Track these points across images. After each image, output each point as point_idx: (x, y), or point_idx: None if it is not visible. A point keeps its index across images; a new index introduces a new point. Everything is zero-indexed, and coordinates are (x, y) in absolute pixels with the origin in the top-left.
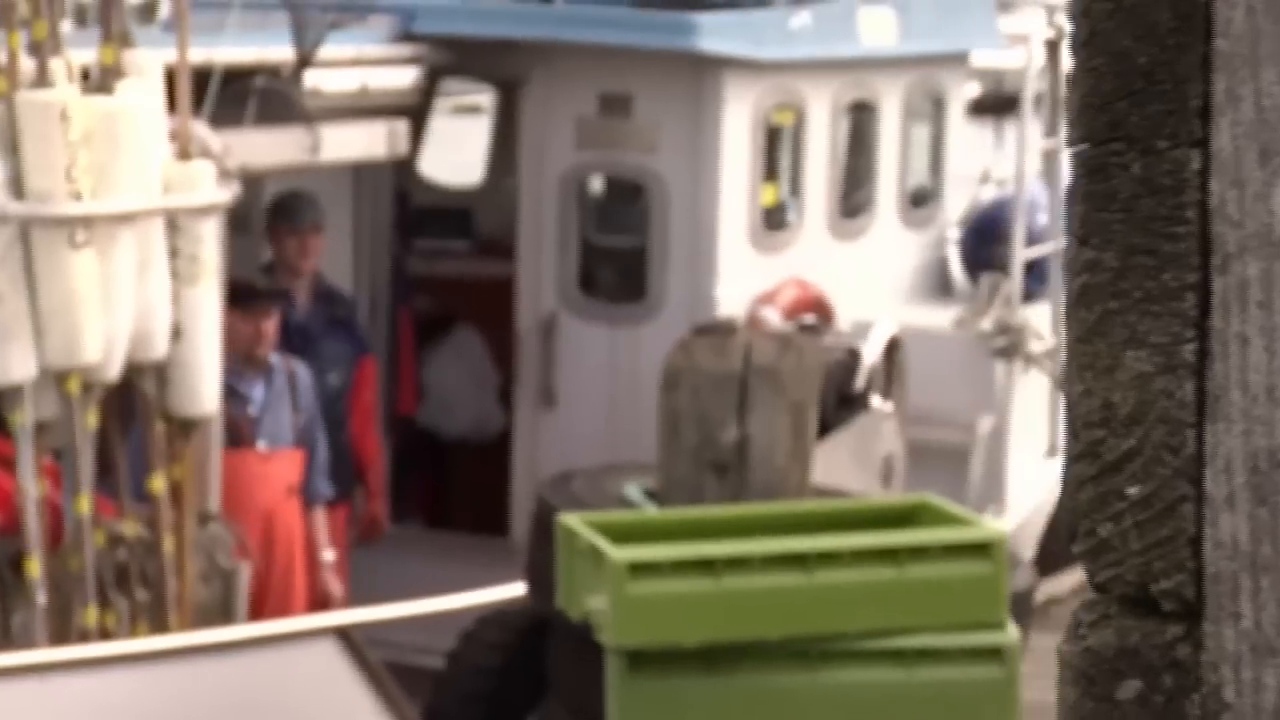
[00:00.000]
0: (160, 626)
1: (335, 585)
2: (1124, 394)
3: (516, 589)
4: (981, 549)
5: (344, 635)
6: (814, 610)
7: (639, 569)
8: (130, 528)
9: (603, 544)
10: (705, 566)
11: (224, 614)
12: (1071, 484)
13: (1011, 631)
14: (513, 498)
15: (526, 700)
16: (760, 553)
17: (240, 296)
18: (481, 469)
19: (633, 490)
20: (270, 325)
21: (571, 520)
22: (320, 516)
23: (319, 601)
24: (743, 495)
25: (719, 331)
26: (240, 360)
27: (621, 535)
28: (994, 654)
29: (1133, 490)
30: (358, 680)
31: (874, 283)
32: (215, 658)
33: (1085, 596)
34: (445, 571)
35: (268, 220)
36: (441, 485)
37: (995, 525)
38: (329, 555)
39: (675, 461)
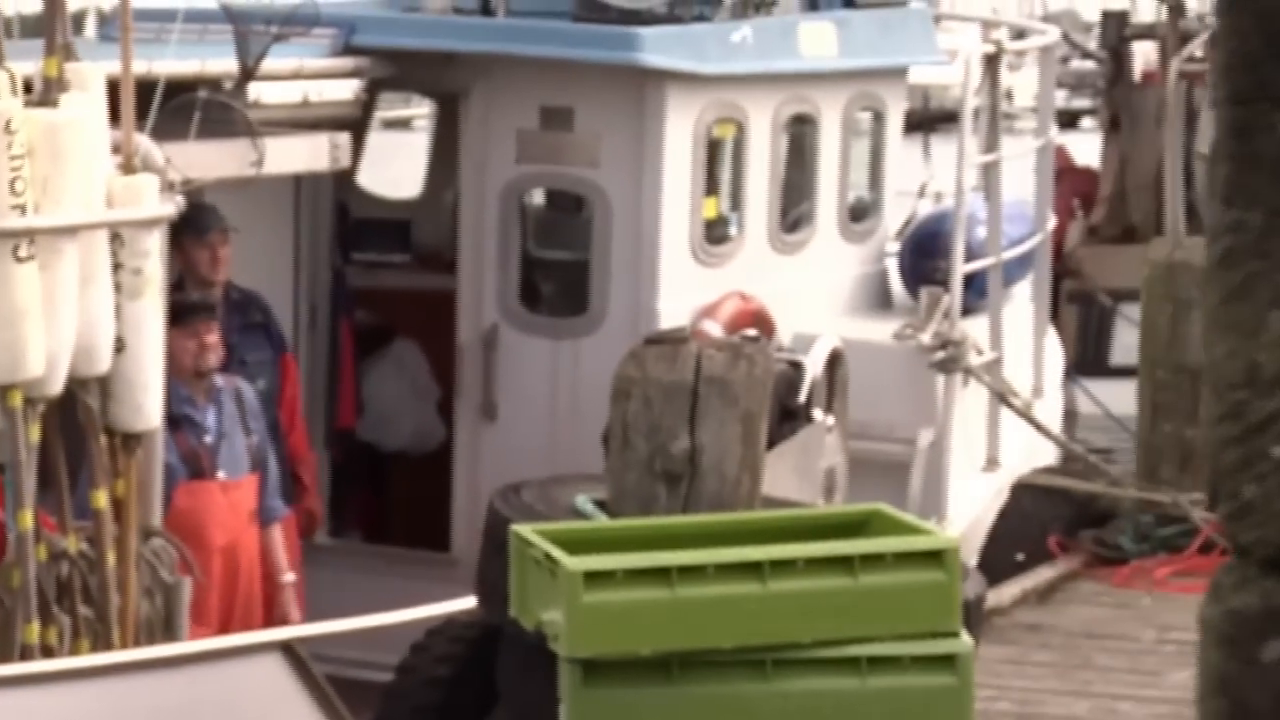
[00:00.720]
0: (103, 642)
1: (294, 611)
2: (1269, 355)
3: (466, 602)
4: (934, 557)
5: (288, 650)
6: (769, 619)
7: (594, 578)
8: (73, 543)
9: (557, 553)
10: (660, 575)
11: (167, 630)
12: (1215, 446)
13: (965, 639)
14: (454, 511)
15: (476, 711)
16: (715, 561)
17: (175, 313)
18: (421, 482)
19: (583, 501)
20: (212, 337)
21: (525, 530)
22: (276, 535)
23: (279, 625)
24: (694, 505)
25: (670, 341)
26: (189, 381)
27: (574, 545)
28: (947, 662)
29: (1277, 451)
30: (302, 695)
31: (814, 296)
32: (159, 673)
33: (1224, 561)
34: (384, 586)
35: (172, 233)
36: (381, 499)
37: (947, 534)
38: (289, 578)
39: (626, 472)
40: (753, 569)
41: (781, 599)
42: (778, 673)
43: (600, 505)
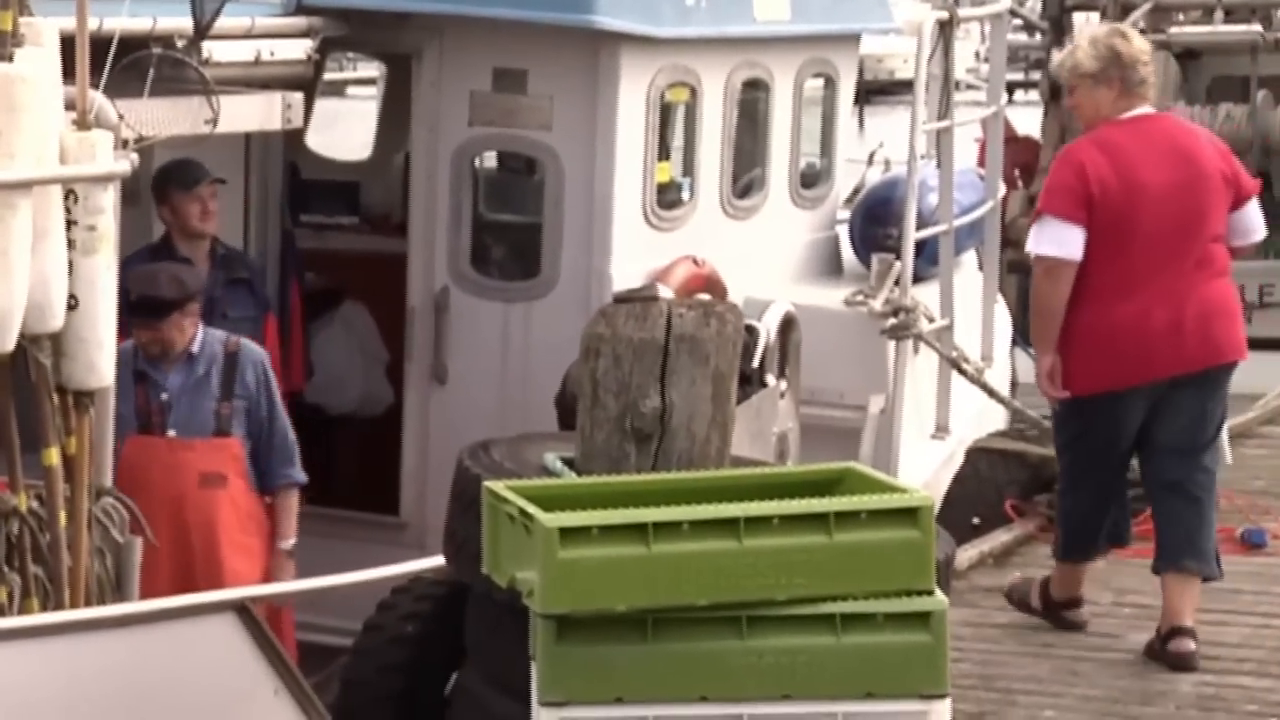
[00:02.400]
0: (53, 602)
1: (288, 573)
2: None
3: (434, 560)
4: (909, 514)
5: (243, 611)
6: (744, 575)
7: (569, 534)
8: (23, 501)
9: (532, 509)
10: (635, 532)
11: (117, 589)
12: None
13: (940, 597)
14: (402, 475)
15: (444, 670)
16: (690, 518)
17: (141, 309)
18: (369, 446)
19: (552, 459)
20: (189, 320)
21: (498, 486)
22: (286, 501)
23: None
24: (663, 464)
25: (640, 299)
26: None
27: (547, 502)
28: (922, 619)
29: None
30: (256, 657)
31: (766, 262)
32: (110, 633)
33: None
34: (332, 549)
35: (157, 189)
36: (329, 462)
37: (922, 491)
38: (286, 544)
39: (595, 430)
40: (728, 525)
41: (757, 555)
42: (752, 630)
43: (569, 464)
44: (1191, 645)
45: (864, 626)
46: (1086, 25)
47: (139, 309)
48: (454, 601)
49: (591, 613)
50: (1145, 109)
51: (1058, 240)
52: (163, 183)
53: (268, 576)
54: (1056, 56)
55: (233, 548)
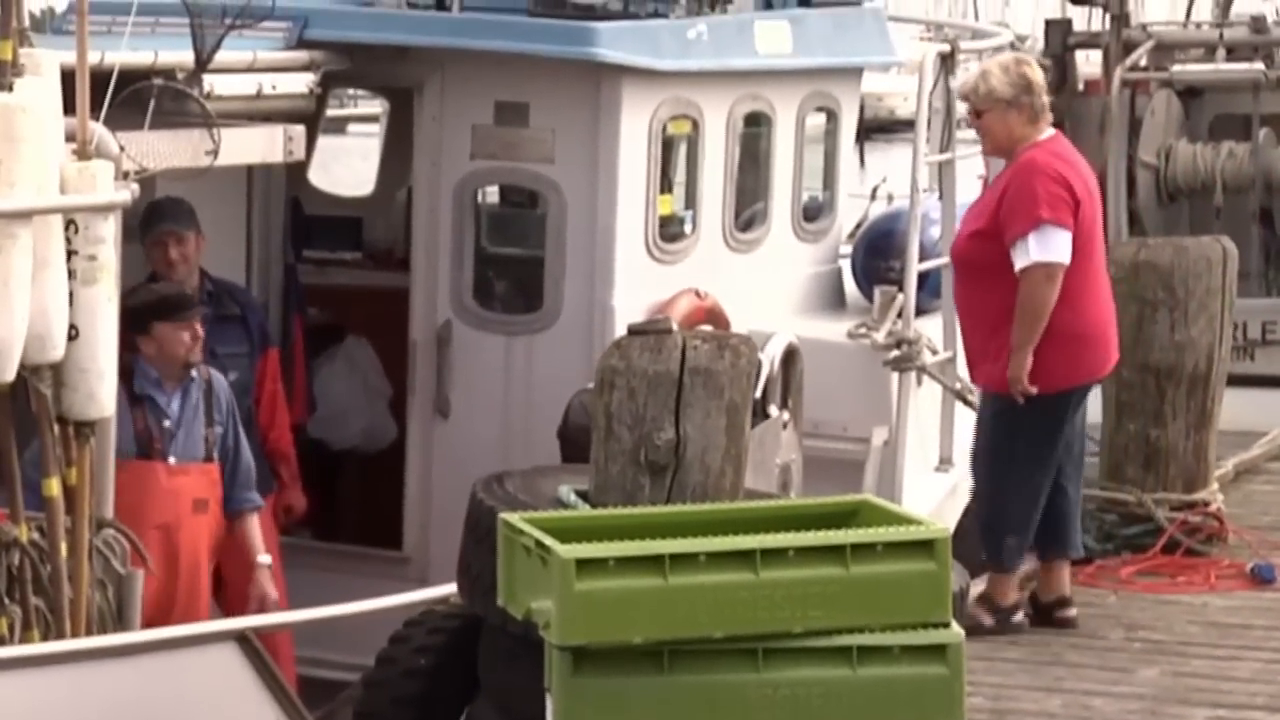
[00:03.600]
0: (54, 633)
1: (270, 589)
2: None
3: (447, 589)
4: (925, 546)
5: (244, 641)
6: (760, 608)
7: (586, 565)
8: (24, 532)
9: (549, 541)
10: (652, 563)
11: (118, 621)
12: None
13: (956, 629)
14: (405, 509)
15: (457, 702)
16: (706, 550)
17: (168, 307)
18: (373, 480)
19: (566, 491)
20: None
21: (514, 518)
22: (253, 524)
23: (257, 608)
24: (677, 497)
25: (654, 332)
26: (171, 370)
27: (563, 534)
28: (938, 651)
29: None
30: (257, 687)
31: (768, 295)
32: (112, 662)
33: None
34: (335, 584)
35: (143, 229)
36: (332, 497)
37: (938, 524)
38: (264, 559)
39: (609, 462)
40: (744, 557)
41: (773, 588)
42: (769, 662)
43: (583, 496)
44: (1074, 611)
45: (880, 659)
46: (1085, 63)
47: (174, 306)
48: (467, 634)
49: (608, 644)
50: (1052, 130)
51: (1059, 247)
52: (148, 221)
53: (254, 597)
54: (965, 80)
55: (210, 573)
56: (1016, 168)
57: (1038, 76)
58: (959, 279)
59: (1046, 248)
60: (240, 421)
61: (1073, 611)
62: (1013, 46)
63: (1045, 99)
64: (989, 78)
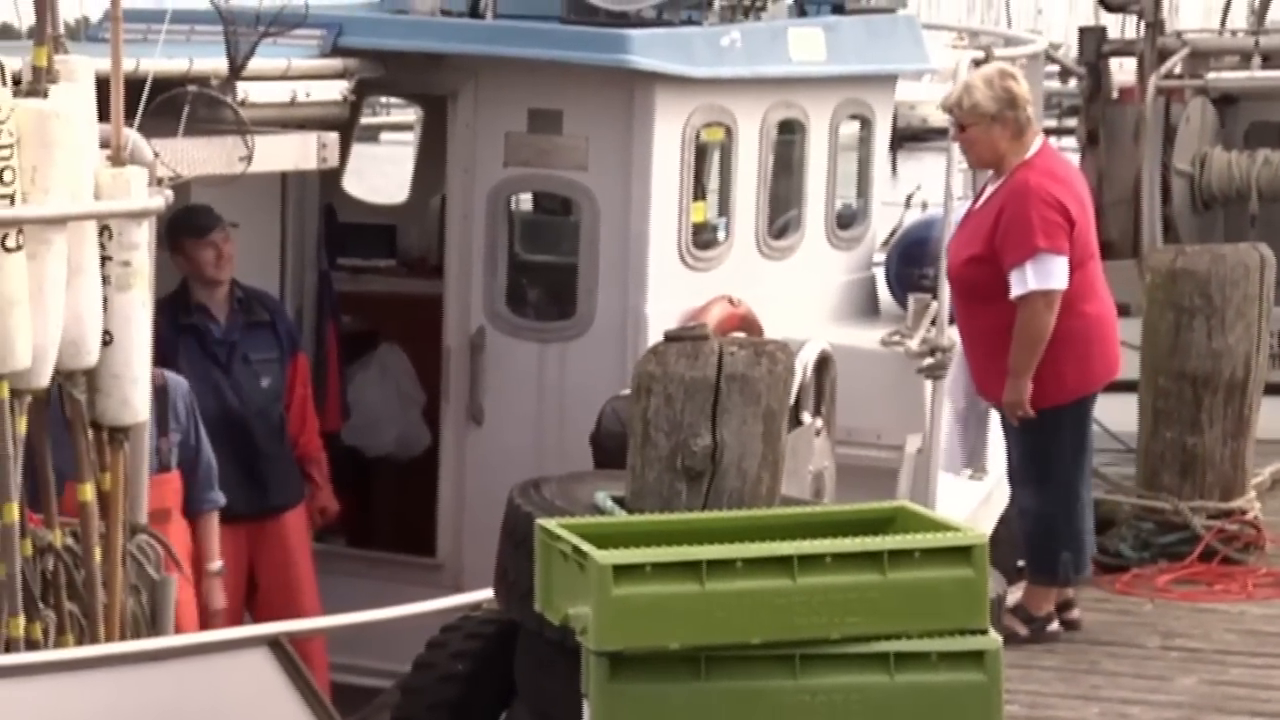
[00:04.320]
0: (88, 638)
1: (218, 597)
2: None
3: (480, 595)
4: (963, 553)
5: (276, 646)
6: (797, 614)
7: (623, 571)
8: (58, 538)
9: (586, 546)
10: (689, 569)
11: (152, 627)
12: None
13: (994, 636)
14: (439, 516)
15: (494, 708)
16: (744, 556)
17: (184, 224)
18: (406, 487)
19: (603, 497)
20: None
21: (551, 524)
22: (211, 525)
23: (204, 613)
24: (714, 503)
25: (691, 338)
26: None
27: (600, 540)
28: (976, 658)
29: None
30: (289, 692)
31: (802, 302)
32: (144, 667)
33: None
34: (368, 590)
35: (170, 238)
36: (366, 504)
37: (975, 530)
38: (215, 565)
39: (646, 469)
40: (782, 564)
41: (810, 594)
42: (806, 668)
43: (619, 502)
44: (1078, 613)
45: (918, 665)
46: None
47: (187, 224)
48: (504, 639)
49: (645, 650)
50: (1039, 139)
51: (1056, 274)
52: (174, 232)
53: (203, 603)
54: (947, 93)
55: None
56: (1011, 191)
57: (1022, 90)
58: (958, 301)
59: (1044, 276)
60: (200, 421)
61: (1076, 613)
62: (1048, 59)
63: (1030, 111)
64: (973, 92)
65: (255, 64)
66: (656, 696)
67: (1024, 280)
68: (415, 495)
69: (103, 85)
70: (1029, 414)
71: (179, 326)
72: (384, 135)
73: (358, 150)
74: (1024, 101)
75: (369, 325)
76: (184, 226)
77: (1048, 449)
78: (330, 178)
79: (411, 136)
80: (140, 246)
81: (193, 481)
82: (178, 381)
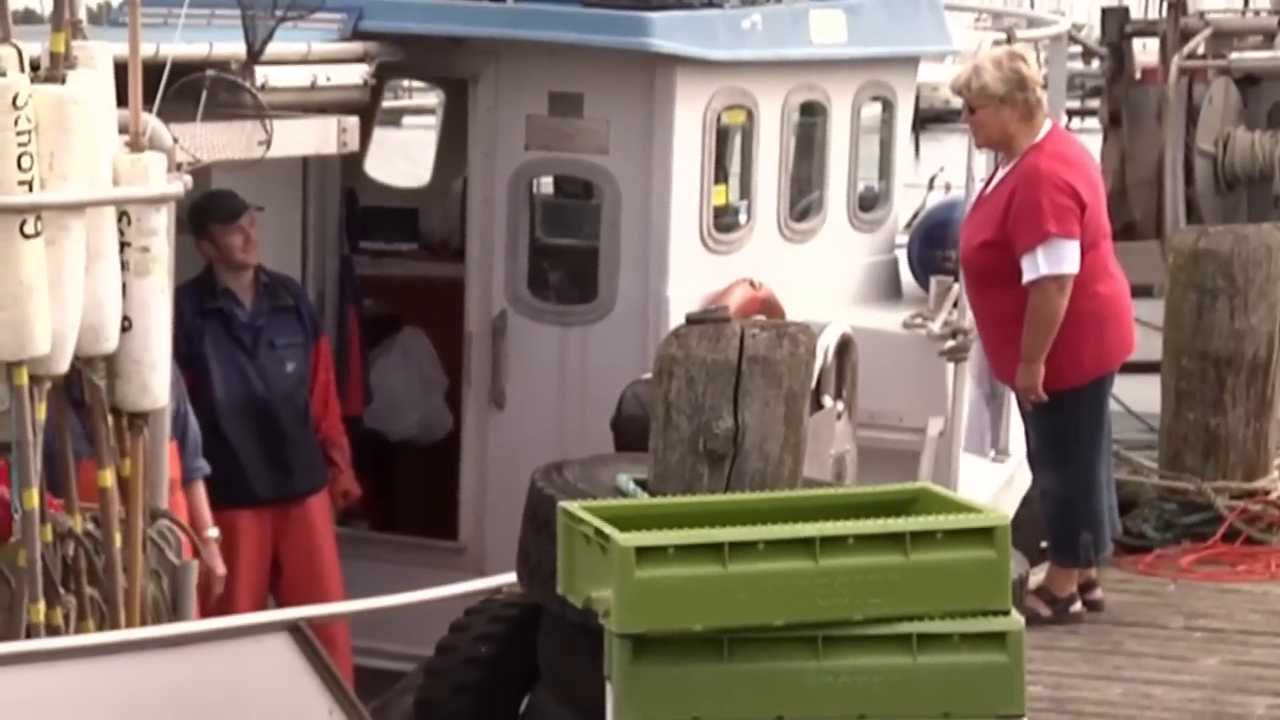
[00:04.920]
0: (109, 623)
1: (218, 563)
2: None
3: (502, 579)
4: (985, 534)
5: (296, 631)
6: (820, 595)
7: (645, 553)
8: (78, 523)
9: (609, 529)
10: (712, 551)
11: (173, 612)
12: None
13: (1016, 617)
14: (461, 500)
15: (518, 690)
16: (766, 537)
17: (211, 210)
18: (429, 471)
19: (625, 480)
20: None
21: (573, 506)
22: (200, 492)
23: (202, 580)
24: (736, 485)
25: (712, 321)
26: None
27: (622, 522)
28: (998, 639)
29: None
30: (309, 677)
31: (823, 285)
32: (164, 652)
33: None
34: (391, 574)
35: (195, 223)
36: (388, 487)
37: (998, 511)
38: (213, 533)
39: (668, 451)
40: (804, 545)
41: (833, 575)
42: (828, 650)
43: (641, 485)
44: (1100, 593)
45: (940, 647)
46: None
47: (215, 209)
48: (527, 622)
49: (668, 632)
50: (1048, 121)
51: (1068, 258)
52: (201, 217)
53: (203, 573)
54: (956, 75)
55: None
56: (1021, 176)
57: (1031, 71)
58: (971, 286)
59: (1055, 260)
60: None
61: (1099, 593)
62: (1071, 39)
63: (1040, 93)
64: (981, 73)
65: (275, 48)
66: (679, 678)
67: (1035, 265)
68: (438, 479)
69: (121, 70)
70: (1041, 398)
71: (204, 311)
72: (406, 119)
73: (381, 135)
74: (1033, 83)
75: (391, 309)
76: (211, 212)
77: (1066, 431)
78: (352, 162)
79: (433, 120)
80: (159, 232)
81: (182, 450)
82: None
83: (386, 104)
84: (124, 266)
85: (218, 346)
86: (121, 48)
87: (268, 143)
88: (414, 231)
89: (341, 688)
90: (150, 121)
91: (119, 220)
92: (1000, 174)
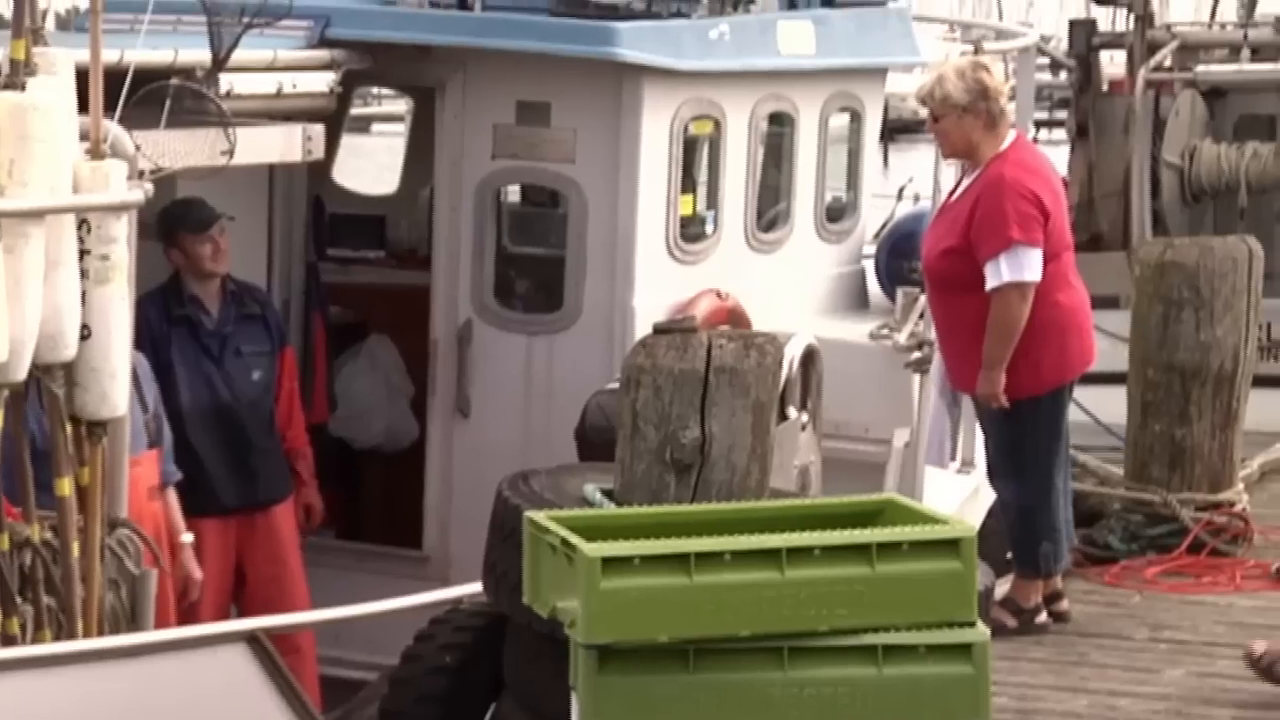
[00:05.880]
0: (66, 633)
1: (194, 567)
2: None
3: (465, 590)
4: (951, 545)
5: (254, 641)
6: (786, 606)
7: (611, 564)
8: (36, 532)
9: (575, 539)
10: (677, 562)
11: (132, 622)
12: None
13: (981, 628)
14: (425, 508)
15: (483, 700)
16: (732, 548)
17: (181, 220)
18: (395, 480)
19: (591, 490)
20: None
21: (539, 516)
22: (173, 497)
23: (179, 586)
24: (703, 495)
25: (680, 331)
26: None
27: (588, 532)
28: (964, 651)
29: None
30: (268, 688)
31: (790, 295)
32: (120, 663)
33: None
34: (356, 582)
35: (165, 231)
36: (354, 496)
37: (964, 523)
38: (187, 538)
39: (635, 461)
40: (770, 556)
41: (799, 586)
42: (794, 661)
43: (608, 495)
44: (1067, 604)
45: (906, 658)
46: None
47: (185, 219)
48: (493, 632)
49: (633, 643)
50: (1013, 132)
51: (1031, 265)
52: (171, 226)
53: (177, 578)
54: (920, 84)
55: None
56: (986, 184)
57: (995, 81)
58: (933, 293)
59: (1018, 268)
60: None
61: (1065, 604)
62: (1039, 51)
63: (1003, 103)
64: (945, 83)
65: (241, 55)
66: (645, 689)
67: (999, 272)
68: (403, 488)
69: (83, 77)
70: (1003, 405)
71: (171, 318)
72: (375, 126)
73: (351, 142)
74: (996, 93)
75: (358, 317)
76: (182, 221)
77: (1024, 440)
78: (319, 169)
79: (402, 127)
80: (119, 240)
81: (161, 457)
82: (138, 358)
83: (355, 111)
84: (84, 274)
85: (184, 354)
86: (83, 54)
87: (231, 151)
88: (381, 239)
89: (299, 698)
90: (112, 129)
91: (79, 228)
92: (965, 183)
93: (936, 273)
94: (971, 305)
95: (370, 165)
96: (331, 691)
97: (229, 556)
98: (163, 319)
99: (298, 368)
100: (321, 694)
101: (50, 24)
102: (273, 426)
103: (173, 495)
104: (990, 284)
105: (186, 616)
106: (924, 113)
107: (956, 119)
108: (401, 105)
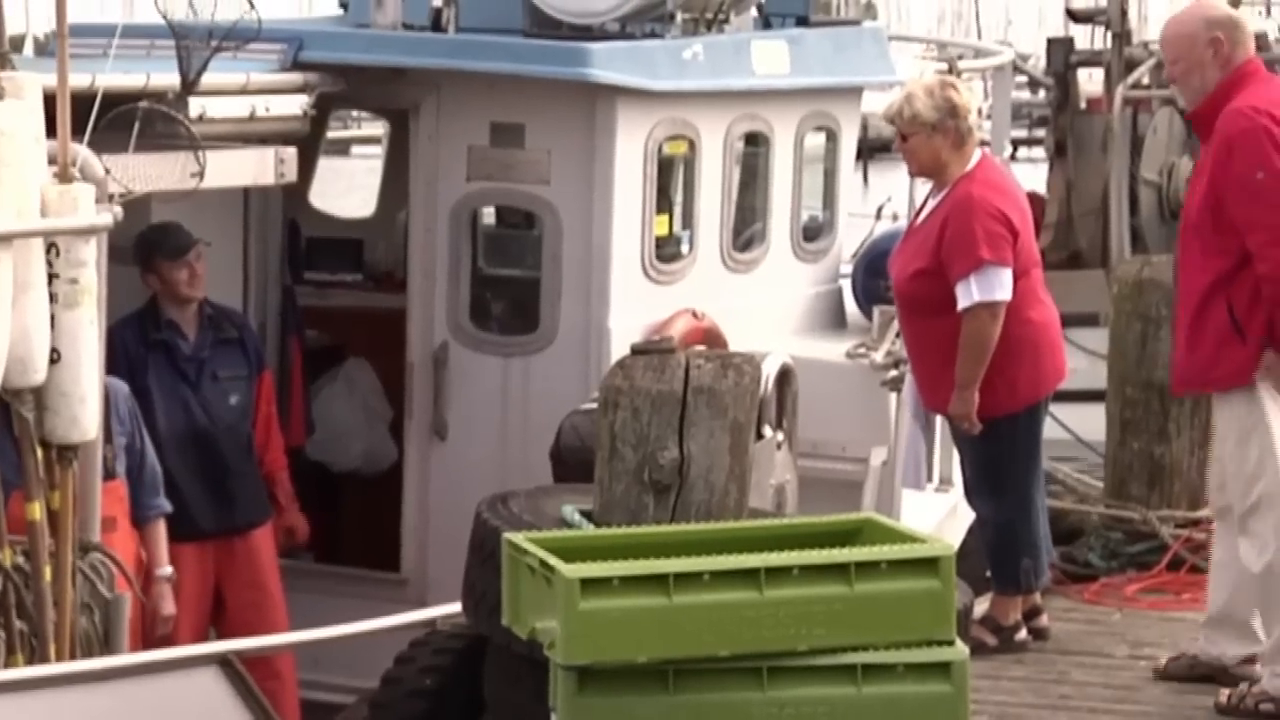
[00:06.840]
0: (39, 658)
1: (168, 604)
2: None
3: (443, 610)
4: (930, 564)
5: (227, 664)
6: (765, 626)
7: (590, 585)
8: (7, 556)
9: (553, 560)
10: (656, 582)
11: (106, 646)
12: None
13: (960, 647)
14: (403, 531)
15: None
16: (711, 568)
17: (158, 245)
18: (373, 503)
19: (569, 511)
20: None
21: (518, 538)
22: (158, 531)
23: (149, 620)
24: (681, 516)
25: (657, 351)
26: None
27: (567, 554)
28: (943, 669)
29: None
30: (240, 711)
31: (766, 315)
32: (92, 687)
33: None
34: (334, 606)
35: (141, 257)
36: (332, 519)
37: (942, 542)
38: (164, 572)
39: (613, 482)
40: (749, 576)
41: (777, 606)
42: (774, 681)
43: (587, 516)
44: (1046, 620)
45: (885, 677)
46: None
47: (162, 245)
48: (472, 654)
49: (612, 664)
50: (979, 150)
51: (1004, 285)
52: (148, 251)
53: (149, 611)
54: (889, 103)
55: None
56: (954, 204)
57: (963, 100)
58: (904, 315)
59: (988, 288)
60: (144, 426)
61: (1044, 620)
62: (1016, 69)
63: (971, 121)
64: (914, 101)
65: (213, 78)
66: (624, 710)
67: (969, 292)
68: (381, 511)
69: (52, 101)
70: (975, 425)
71: (148, 343)
72: (355, 149)
73: (329, 164)
74: (964, 111)
75: (336, 340)
76: (158, 247)
77: (1002, 458)
78: (295, 192)
79: (380, 150)
80: (88, 264)
81: (139, 487)
82: (118, 386)
83: (334, 134)
84: (53, 298)
85: (161, 378)
86: (51, 78)
87: (201, 174)
88: (359, 262)
89: None
90: (81, 152)
91: (48, 252)
92: (931, 203)
93: (907, 295)
94: (943, 327)
95: (350, 187)
96: (311, 715)
97: (207, 581)
98: (140, 343)
99: (275, 391)
100: (301, 718)
101: (29, 50)
102: (251, 451)
103: (158, 528)
104: (961, 304)
105: (154, 644)
106: None
107: (926, 137)
108: (379, 128)
